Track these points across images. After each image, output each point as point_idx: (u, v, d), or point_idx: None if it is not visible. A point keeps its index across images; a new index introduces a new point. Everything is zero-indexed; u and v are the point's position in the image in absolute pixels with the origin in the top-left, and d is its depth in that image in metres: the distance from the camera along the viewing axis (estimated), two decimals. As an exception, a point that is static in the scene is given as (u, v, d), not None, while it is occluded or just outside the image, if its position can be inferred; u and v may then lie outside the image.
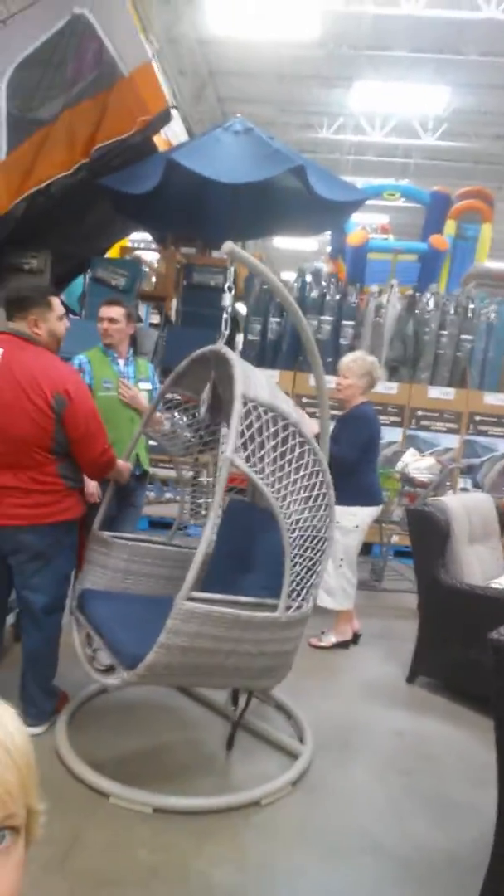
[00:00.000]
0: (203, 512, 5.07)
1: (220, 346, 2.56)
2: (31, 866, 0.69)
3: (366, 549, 5.77)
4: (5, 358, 2.52)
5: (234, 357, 2.44)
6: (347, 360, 3.89)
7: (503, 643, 1.72)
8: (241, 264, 6.72)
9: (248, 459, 2.31)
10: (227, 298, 3.46)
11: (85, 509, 2.87)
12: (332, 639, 3.94)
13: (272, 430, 2.40)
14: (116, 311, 3.56)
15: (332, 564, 3.89)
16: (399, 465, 4.59)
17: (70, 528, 2.76)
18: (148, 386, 3.67)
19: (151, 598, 2.98)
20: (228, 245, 2.44)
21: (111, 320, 3.54)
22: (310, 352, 2.97)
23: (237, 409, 2.26)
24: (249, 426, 2.32)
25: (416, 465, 4.46)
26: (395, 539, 5.50)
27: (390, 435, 5.52)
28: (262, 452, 2.35)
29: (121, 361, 3.62)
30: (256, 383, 2.45)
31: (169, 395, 3.18)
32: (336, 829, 2.36)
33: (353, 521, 3.81)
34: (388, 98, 11.52)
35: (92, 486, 3.21)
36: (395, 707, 3.35)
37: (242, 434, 2.29)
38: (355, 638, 4.03)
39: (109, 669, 2.92)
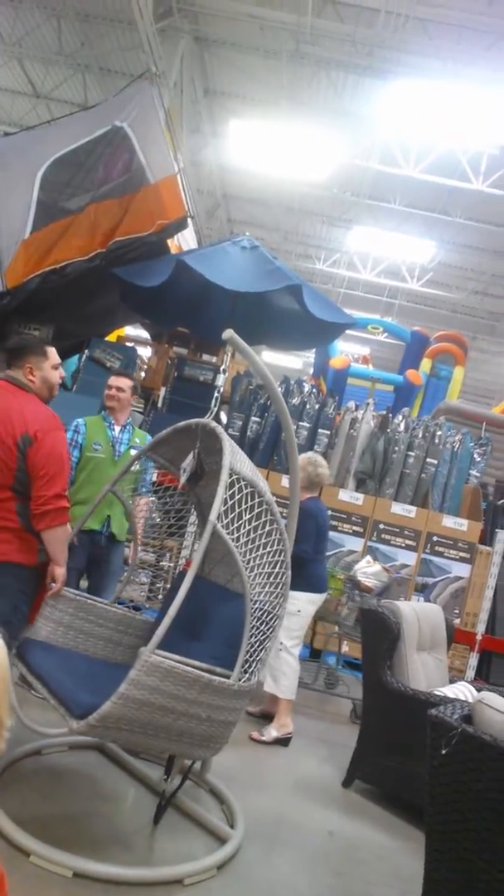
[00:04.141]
0: (159, 596, 5.11)
1: (209, 420, 2.76)
2: None
3: (316, 654, 5.78)
4: None
5: (223, 431, 2.63)
6: None
7: (441, 719, 1.82)
8: (231, 365, 7.12)
9: (226, 527, 2.45)
10: (220, 379, 3.72)
11: (39, 562, 2.79)
12: (273, 733, 3.90)
13: (250, 503, 2.56)
14: (125, 383, 3.93)
15: (274, 649, 3.94)
16: (352, 569, 4.73)
17: (17, 574, 2.71)
18: None
19: (92, 657, 2.99)
20: (229, 332, 2.70)
21: (119, 389, 3.88)
22: (289, 446, 3.19)
23: (224, 478, 2.43)
24: (232, 496, 2.48)
25: (365, 569, 4.59)
26: (345, 649, 5.52)
27: (351, 544, 5.68)
28: (239, 523, 2.50)
29: (116, 428, 3.89)
30: (241, 459, 2.64)
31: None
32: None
33: (295, 605, 3.90)
34: (381, 243, 12.68)
35: (59, 573, 2.80)
36: (329, 808, 3.30)
37: (225, 503, 2.44)
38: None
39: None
